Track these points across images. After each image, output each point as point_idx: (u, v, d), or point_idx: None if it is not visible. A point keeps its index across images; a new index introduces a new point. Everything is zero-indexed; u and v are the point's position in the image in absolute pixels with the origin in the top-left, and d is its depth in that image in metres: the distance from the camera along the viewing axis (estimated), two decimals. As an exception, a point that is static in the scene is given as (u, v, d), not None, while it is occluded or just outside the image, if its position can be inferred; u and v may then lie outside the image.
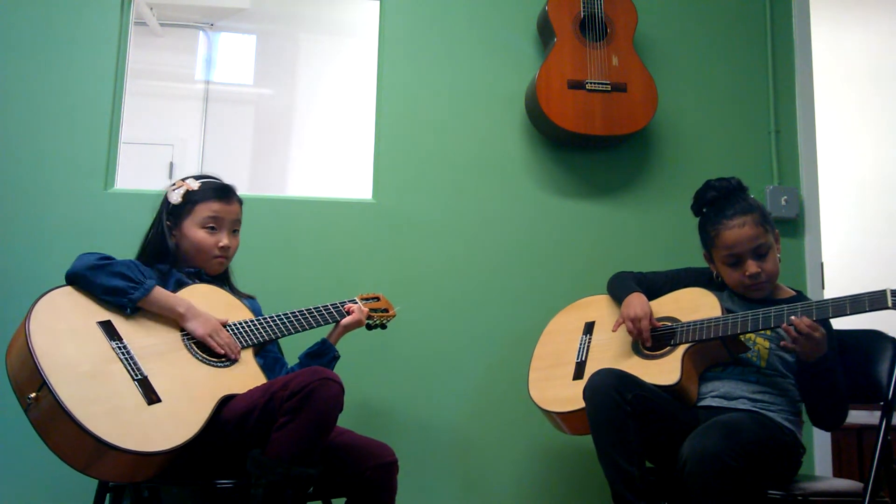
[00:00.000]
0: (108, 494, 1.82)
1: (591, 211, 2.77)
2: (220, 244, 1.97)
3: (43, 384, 1.54)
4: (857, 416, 3.00)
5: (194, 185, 1.98)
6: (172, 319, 1.81)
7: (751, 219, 1.96)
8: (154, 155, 4.30)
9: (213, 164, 4.28)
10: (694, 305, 2.03)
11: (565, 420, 2.04)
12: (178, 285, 1.89)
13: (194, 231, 1.95)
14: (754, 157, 2.87)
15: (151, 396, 1.63)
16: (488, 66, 2.82)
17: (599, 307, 2.25)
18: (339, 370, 1.96)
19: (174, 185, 2.00)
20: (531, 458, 2.59)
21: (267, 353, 2.03)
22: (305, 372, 1.66)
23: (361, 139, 2.93)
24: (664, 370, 1.92)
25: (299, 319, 1.98)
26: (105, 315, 1.73)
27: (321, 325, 2.03)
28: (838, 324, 1.94)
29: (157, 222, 1.99)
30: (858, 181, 4.11)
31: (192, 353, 1.78)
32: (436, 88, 2.79)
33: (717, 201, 2.04)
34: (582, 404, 1.85)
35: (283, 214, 2.60)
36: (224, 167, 4.24)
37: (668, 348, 1.98)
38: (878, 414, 1.83)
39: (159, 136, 4.28)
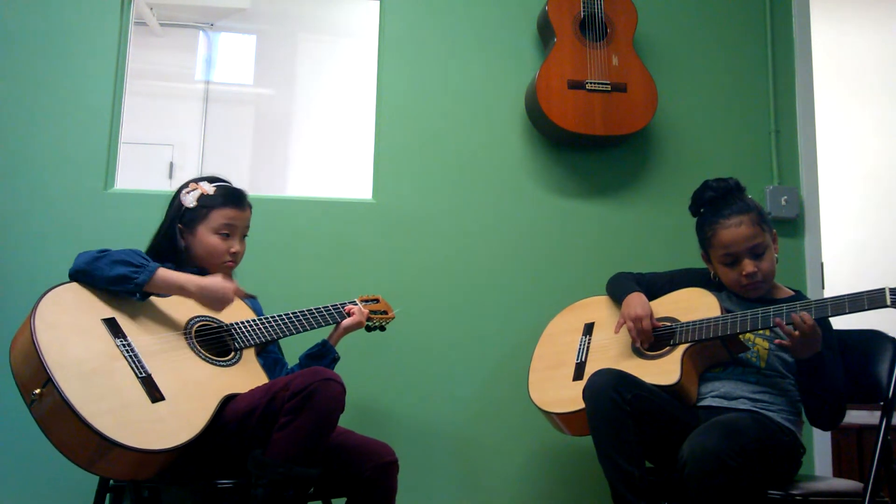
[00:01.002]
0: (108, 494, 1.83)
1: (591, 211, 2.77)
2: (232, 250, 1.99)
3: (48, 380, 1.54)
4: (857, 416, 3.01)
5: (209, 189, 1.97)
6: (176, 318, 1.81)
7: (747, 218, 1.96)
8: (154, 155, 4.31)
9: (213, 164, 4.29)
10: (693, 305, 2.03)
11: (565, 421, 2.04)
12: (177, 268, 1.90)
13: (208, 237, 1.96)
14: (754, 157, 2.87)
15: (155, 394, 1.63)
16: (488, 66, 2.82)
17: (599, 308, 2.25)
18: (340, 370, 1.96)
19: (188, 187, 1.98)
20: (531, 458, 2.59)
21: (268, 354, 2.03)
22: (307, 372, 1.66)
23: (361, 139, 2.93)
24: (664, 370, 1.92)
25: (300, 320, 1.99)
26: (109, 312, 1.73)
27: (321, 326, 2.04)
28: (838, 323, 1.94)
29: (167, 223, 1.98)
30: (859, 181, 4.12)
31: (195, 351, 1.78)
32: (436, 88, 2.79)
33: (714, 201, 2.04)
34: (582, 405, 1.85)
35: (283, 214, 2.60)
36: (224, 167, 4.24)
37: (667, 348, 1.98)
38: (878, 414, 1.83)
39: (159, 136, 4.28)
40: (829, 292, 2.77)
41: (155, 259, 1.87)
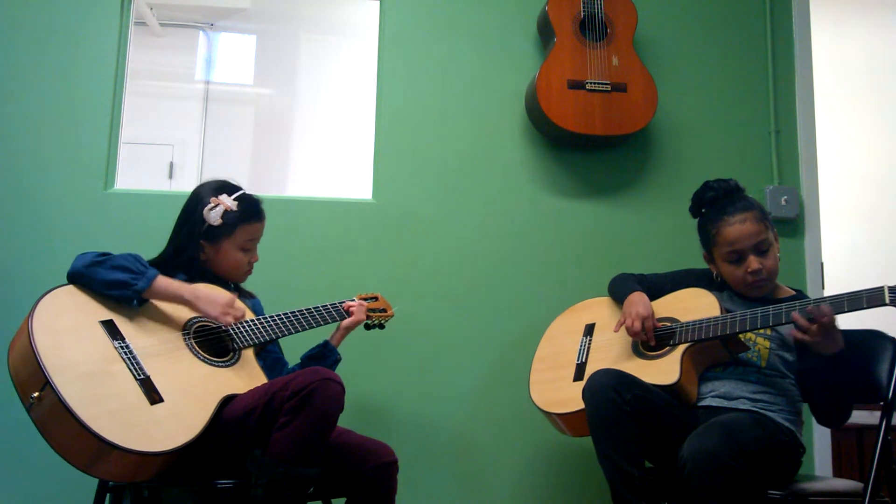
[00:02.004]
0: (108, 494, 1.83)
1: (591, 211, 2.77)
2: (252, 261, 2.02)
3: (46, 384, 1.54)
4: (857, 416, 2.98)
5: (231, 204, 1.95)
6: (174, 319, 1.81)
7: (752, 215, 1.97)
8: (154, 155, 4.30)
9: (213, 164, 4.29)
10: (693, 306, 2.03)
11: (566, 421, 2.04)
12: (188, 280, 1.90)
13: (234, 253, 1.97)
14: (754, 157, 2.87)
15: (154, 396, 1.63)
16: (488, 66, 2.82)
17: (600, 309, 2.25)
18: (339, 370, 1.97)
19: (210, 204, 1.94)
20: (531, 458, 2.59)
21: (268, 354, 2.03)
22: (306, 372, 1.66)
23: (361, 139, 2.93)
24: (664, 370, 1.92)
25: (299, 319, 1.99)
26: (107, 314, 1.73)
27: (321, 325, 2.04)
28: (838, 323, 1.93)
29: (184, 237, 1.96)
30: (858, 181, 4.12)
31: (193, 352, 1.78)
32: (436, 88, 2.79)
33: (716, 201, 2.05)
34: (582, 405, 1.85)
35: (283, 214, 2.59)
36: (224, 167, 4.25)
37: (667, 348, 1.98)
38: (878, 414, 1.83)
39: (159, 136, 4.28)
40: (829, 292, 2.77)
41: (165, 270, 1.87)
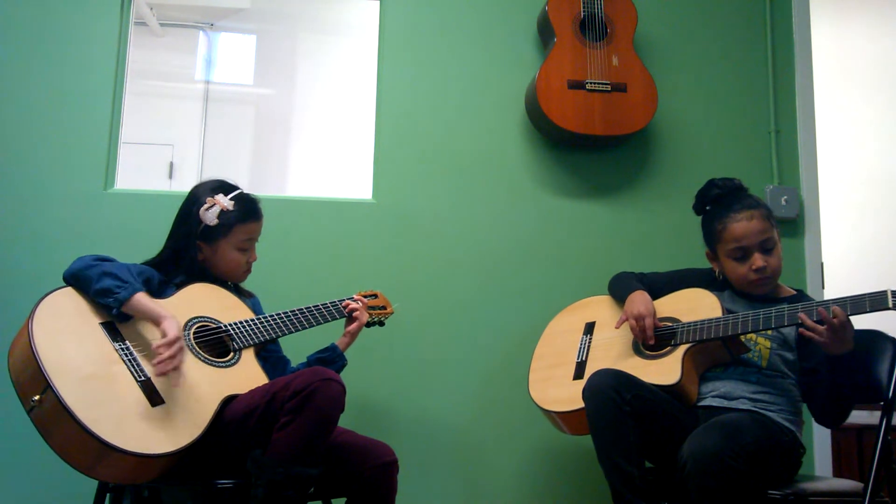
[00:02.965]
0: (108, 494, 1.83)
1: (591, 211, 2.77)
2: (250, 260, 2.01)
3: (47, 387, 1.54)
4: (857, 416, 2.99)
5: (227, 204, 1.94)
6: None
7: (758, 213, 1.98)
8: (154, 155, 4.30)
9: (213, 164, 4.29)
10: (694, 306, 2.03)
11: (565, 420, 2.04)
12: (182, 283, 1.90)
13: (231, 253, 1.95)
14: (754, 157, 2.87)
15: (154, 398, 1.63)
16: (488, 66, 2.82)
17: (600, 307, 2.25)
18: (340, 370, 1.97)
19: (206, 204, 1.93)
20: (531, 457, 2.59)
21: (270, 353, 2.03)
22: (307, 372, 1.66)
23: (361, 139, 2.93)
24: (664, 370, 1.92)
25: (299, 318, 1.99)
26: (108, 316, 1.73)
27: (321, 324, 2.03)
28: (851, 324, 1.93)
29: (181, 238, 1.94)
30: (859, 181, 4.11)
31: (194, 353, 1.78)
32: (436, 88, 2.79)
33: (721, 198, 2.05)
34: (582, 404, 1.85)
35: (283, 214, 2.59)
36: (224, 167, 4.25)
37: (668, 348, 1.98)
38: (878, 414, 1.83)
39: (159, 136, 4.28)
40: (829, 292, 2.77)
41: (164, 270, 1.87)
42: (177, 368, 1.67)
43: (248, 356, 1.86)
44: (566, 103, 2.61)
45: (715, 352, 1.96)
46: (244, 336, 1.88)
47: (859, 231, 4.02)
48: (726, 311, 1.98)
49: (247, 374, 1.80)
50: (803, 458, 1.92)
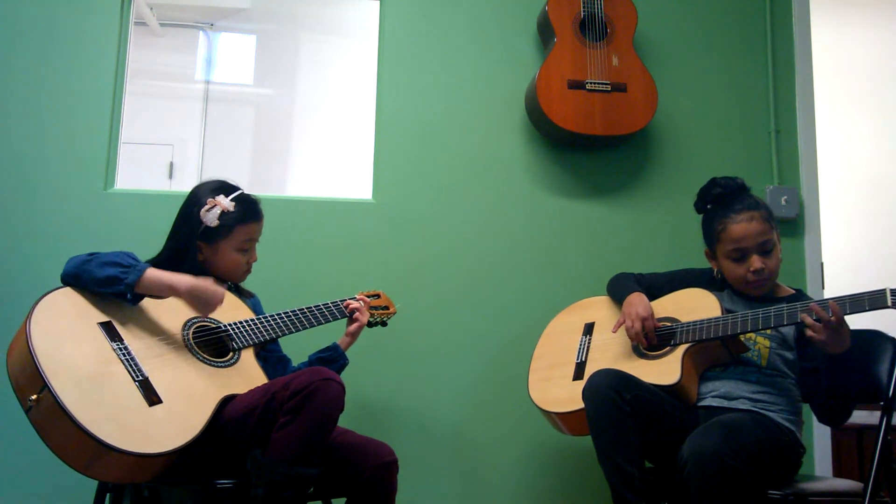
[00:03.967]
0: (108, 494, 1.83)
1: (591, 211, 2.77)
2: (250, 261, 2.01)
3: (44, 387, 1.54)
4: (857, 416, 2.98)
5: (228, 205, 1.93)
6: (174, 319, 1.80)
7: (758, 214, 1.97)
8: (154, 155, 4.31)
9: (213, 164, 4.29)
10: (694, 306, 2.03)
11: (564, 421, 2.04)
12: None
13: (231, 254, 1.95)
14: (754, 157, 2.87)
15: (152, 398, 1.63)
16: (488, 66, 2.82)
17: (599, 308, 2.25)
18: (340, 370, 1.97)
19: (207, 205, 1.93)
20: (531, 458, 2.59)
21: (270, 353, 2.03)
22: (306, 372, 1.66)
23: (361, 139, 2.93)
24: (664, 370, 1.92)
25: (300, 318, 1.98)
26: (106, 316, 1.73)
27: (322, 324, 2.03)
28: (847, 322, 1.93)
29: (181, 239, 1.94)
30: (858, 181, 4.12)
31: (193, 353, 1.78)
32: (436, 88, 2.79)
33: (722, 198, 2.04)
34: (581, 405, 1.85)
35: (283, 214, 2.59)
36: (224, 167, 4.25)
37: (667, 348, 1.98)
38: (878, 414, 1.83)
39: (159, 136, 4.28)
40: (829, 292, 2.77)
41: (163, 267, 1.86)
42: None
43: (248, 356, 1.85)
44: (566, 103, 2.61)
45: (714, 352, 1.96)
46: (244, 336, 1.87)
47: (859, 231, 4.02)
48: (725, 310, 1.97)
49: (246, 374, 1.80)
50: (803, 458, 1.92)
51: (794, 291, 2.06)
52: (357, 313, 2.09)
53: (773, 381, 1.93)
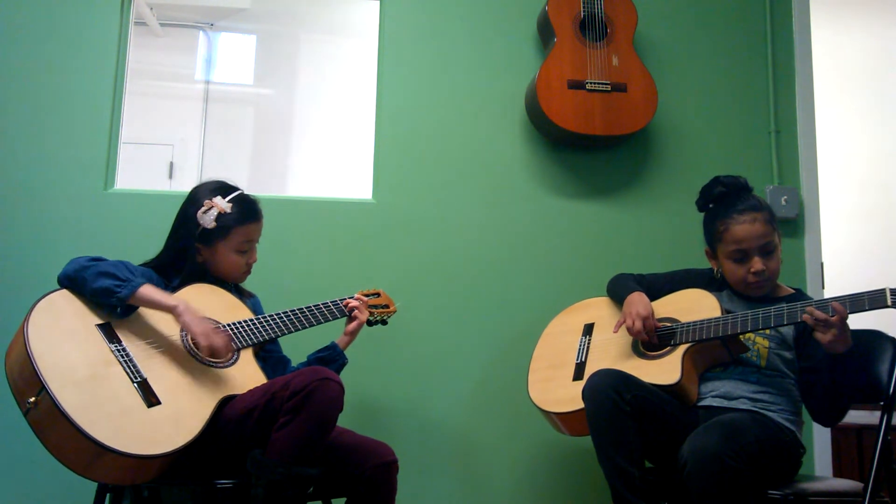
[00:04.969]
0: (108, 494, 1.83)
1: (591, 211, 2.77)
2: (250, 262, 2.00)
3: (42, 389, 1.54)
4: (857, 416, 3.00)
5: (225, 206, 1.92)
6: (171, 322, 1.80)
7: (761, 216, 1.97)
8: (154, 155, 4.31)
9: (213, 164, 4.29)
10: (694, 306, 2.03)
11: (564, 421, 2.04)
12: (182, 283, 1.90)
13: (230, 255, 1.95)
14: (754, 157, 2.87)
15: (151, 399, 1.63)
16: (488, 66, 2.82)
17: (599, 308, 2.25)
18: (340, 370, 1.97)
19: (203, 206, 1.92)
20: (531, 458, 2.59)
21: (269, 353, 2.03)
22: (306, 372, 1.66)
23: (361, 139, 2.93)
24: (664, 370, 1.92)
25: (299, 318, 1.98)
26: (104, 317, 1.73)
27: (321, 323, 2.03)
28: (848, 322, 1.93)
29: (180, 241, 1.93)
30: (858, 181, 4.12)
31: (191, 354, 1.78)
32: (436, 88, 2.79)
33: (725, 197, 2.04)
34: (581, 405, 1.85)
35: (283, 214, 2.59)
36: (224, 167, 4.25)
37: (667, 348, 1.98)
38: (878, 414, 1.83)
39: (159, 136, 4.28)
40: (829, 292, 2.77)
41: (163, 272, 1.86)
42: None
43: (247, 356, 1.85)
44: (566, 103, 2.61)
45: (714, 352, 1.96)
46: (243, 336, 1.87)
47: (859, 231, 4.02)
48: (725, 310, 1.97)
49: (245, 375, 1.80)
50: (803, 458, 1.92)
51: (793, 291, 2.06)
52: (356, 312, 2.09)
53: (773, 380, 1.93)
